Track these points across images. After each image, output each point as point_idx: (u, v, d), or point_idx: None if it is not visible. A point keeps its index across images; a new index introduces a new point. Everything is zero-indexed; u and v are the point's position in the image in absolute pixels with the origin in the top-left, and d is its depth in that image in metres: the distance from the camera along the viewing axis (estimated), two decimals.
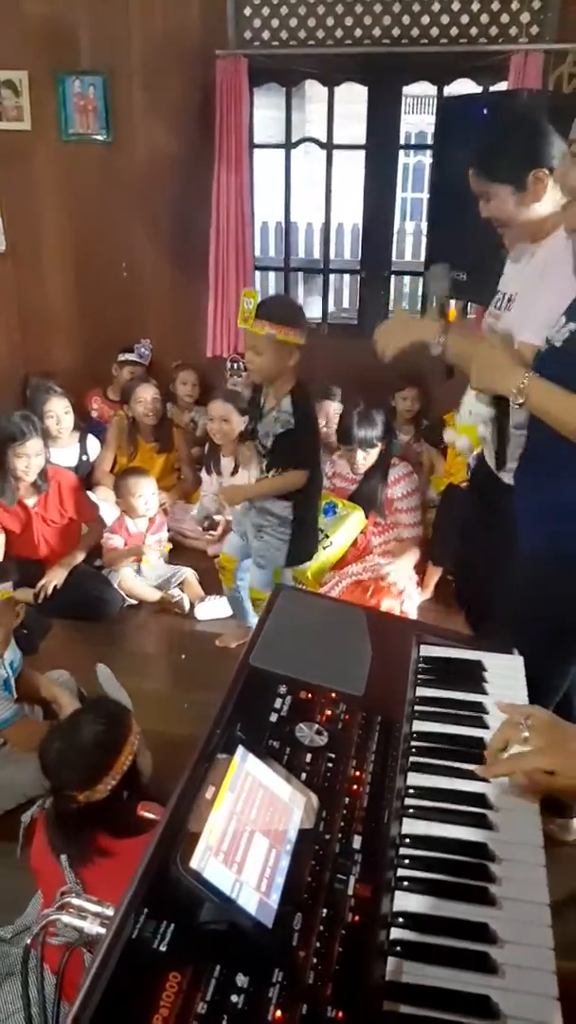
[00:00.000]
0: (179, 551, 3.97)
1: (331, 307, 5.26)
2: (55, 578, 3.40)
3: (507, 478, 2.16)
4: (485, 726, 1.19)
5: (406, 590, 3.38)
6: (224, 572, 3.14)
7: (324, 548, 3.37)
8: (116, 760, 1.67)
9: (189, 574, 3.67)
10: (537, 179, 1.90)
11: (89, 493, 3.88)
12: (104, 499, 3.98)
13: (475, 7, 3.94)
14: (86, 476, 4.18)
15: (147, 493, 3.64)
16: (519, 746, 1.05)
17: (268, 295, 3.38)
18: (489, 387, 1.73)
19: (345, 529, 3.46)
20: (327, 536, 3.41)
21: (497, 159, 1.94)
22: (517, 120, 2.08)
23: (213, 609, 3.52)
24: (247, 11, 4.19)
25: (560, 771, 1.00)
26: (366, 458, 3.45)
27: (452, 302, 2.28)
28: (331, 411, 4.14)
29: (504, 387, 1.62)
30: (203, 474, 4.15)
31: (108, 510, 3.85)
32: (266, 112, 4.95)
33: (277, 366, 2.53)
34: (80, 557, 3.52)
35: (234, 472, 3.91)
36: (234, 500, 2.85)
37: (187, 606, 3.54)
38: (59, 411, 4.06)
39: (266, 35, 4.21)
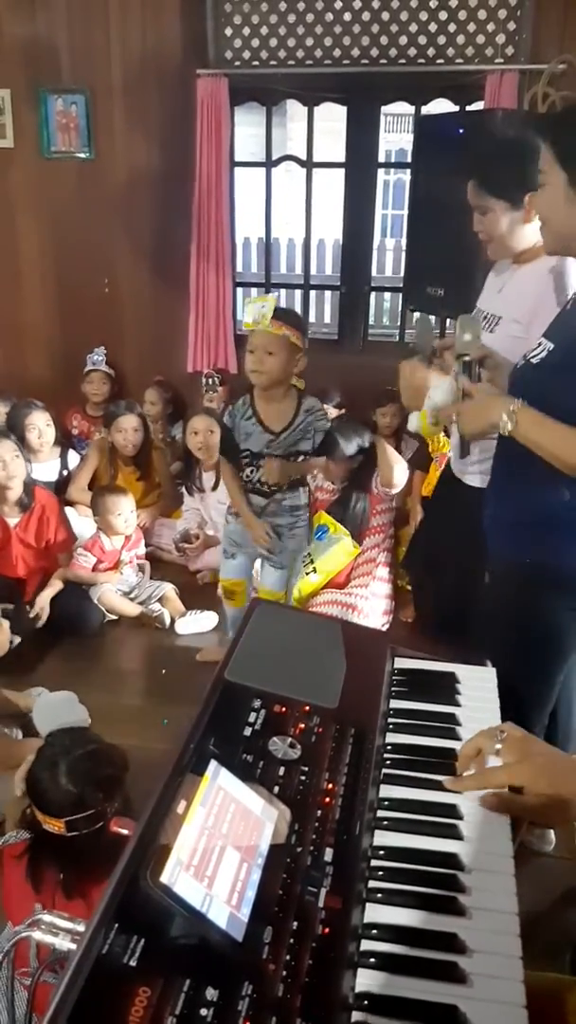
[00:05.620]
0: (159, 567, 3.96)
1: (312, 322, 5.29)
2: (45, 600, 3.40)
3: (470, 480, 2.18)
4: (458, 738, 1.19)
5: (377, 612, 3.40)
6: (235, 596, 3.06)
7: (308, 575, 3.35)
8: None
9: (169, 589, 3.66)
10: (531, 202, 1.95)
11: (66, 510, 3.85)
12: (83, 516, 3.95)
13: (452, 28, 4.01)
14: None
15: (126, 511, 3.62)
16: (492, 758, 1.06)
17: None
18: (480, 426, 1.66)
19: (332, 556, 3.41)
20: (312, 561, 3.37)
21: (499, 175, 2.00)
22: (522, 141, 2.12)
23: (194, 624, 3.51)
24: (228, 31, 4.24)
25: (528, 786, 1.00)
26: (350, 467, 3.46)
27: None
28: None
29: (494, 417, 1.58)
30: (184, 492, 4.14)
31: (84, 526, 3.83)
32: (247, 130, 5.01)
33: (288, 369, 2.63)
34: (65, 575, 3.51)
35: (215, 487, 3.92)
36: (276, 476, 2.74)
37: (167, 621, 3.53)
38: (41, 424, 4.07)
39: (247, 55, 4.26)
